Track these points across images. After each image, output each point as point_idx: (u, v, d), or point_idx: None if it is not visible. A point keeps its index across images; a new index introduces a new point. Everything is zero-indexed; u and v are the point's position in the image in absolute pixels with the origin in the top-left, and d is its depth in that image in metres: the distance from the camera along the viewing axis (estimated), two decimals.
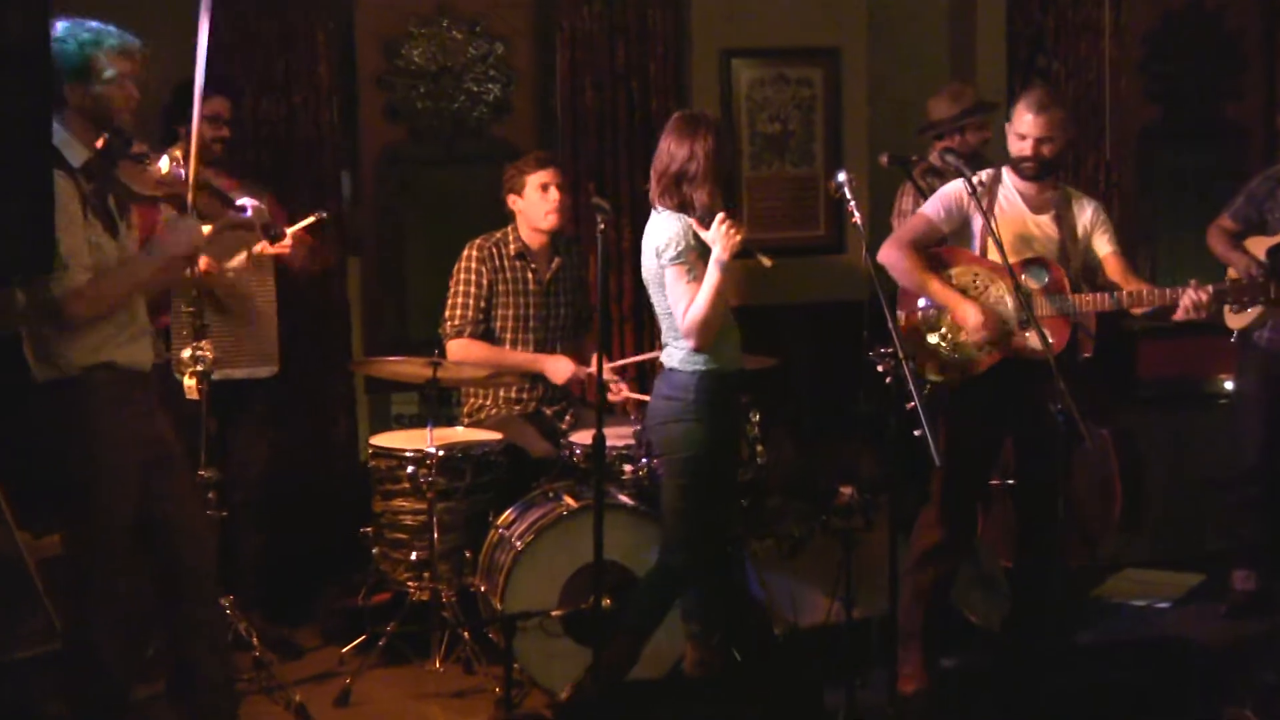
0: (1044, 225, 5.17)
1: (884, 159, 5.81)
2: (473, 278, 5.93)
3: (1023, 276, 5.01)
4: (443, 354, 5.75)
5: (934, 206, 5.16)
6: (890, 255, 5.06)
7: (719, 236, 4.58)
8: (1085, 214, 5.21)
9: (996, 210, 5.12)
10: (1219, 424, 6.52)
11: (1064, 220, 5.16)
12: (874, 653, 5.13)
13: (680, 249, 4.67)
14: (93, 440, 4.09)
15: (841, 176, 4.68)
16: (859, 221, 4.67)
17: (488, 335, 5.96)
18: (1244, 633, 5.92)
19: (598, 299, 5.33)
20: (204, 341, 4.78)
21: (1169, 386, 7.03)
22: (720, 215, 4.59)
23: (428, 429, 5.49)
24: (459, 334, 5.91)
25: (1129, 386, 6.96)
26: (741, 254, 4.68)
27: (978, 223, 5.11)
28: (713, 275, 4.61)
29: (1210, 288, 4.99)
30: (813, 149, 7.35)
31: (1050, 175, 5.16)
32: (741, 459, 5.21)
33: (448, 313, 5.95)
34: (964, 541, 5.30)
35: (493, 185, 6.11)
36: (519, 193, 5.96)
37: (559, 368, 5.90)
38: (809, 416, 6.95)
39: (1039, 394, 4.90)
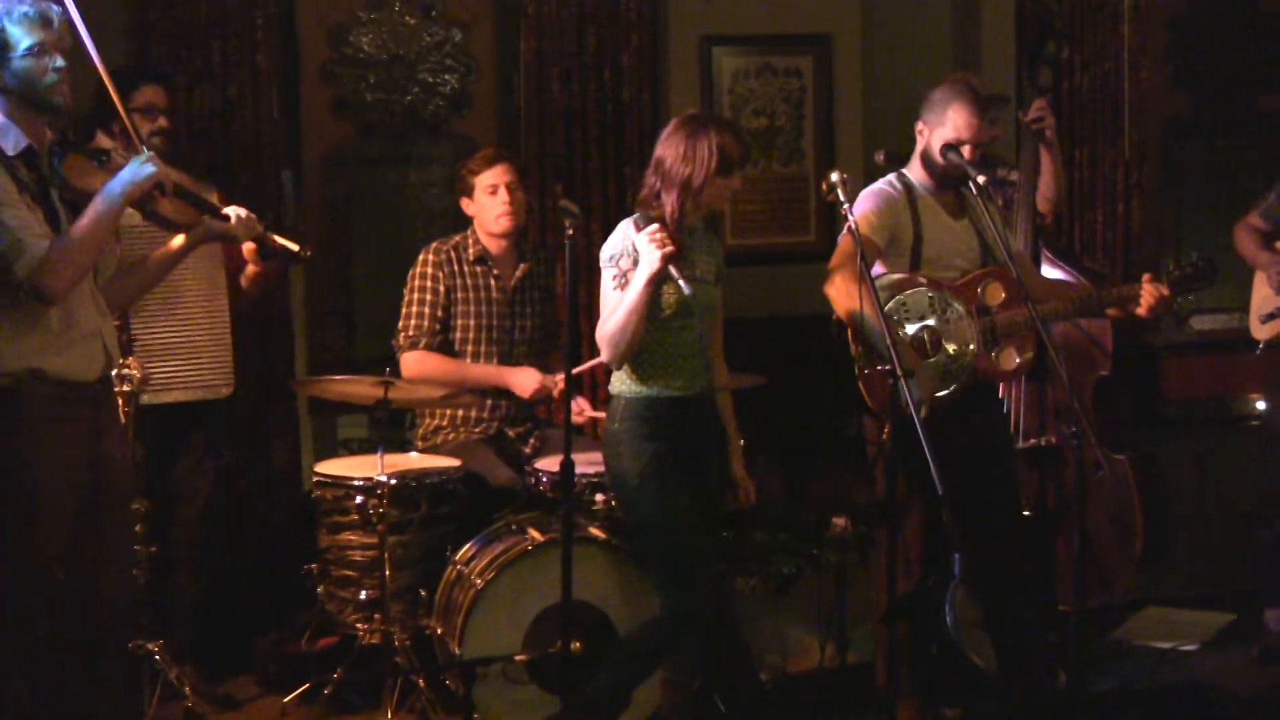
0: (963, 232, 5.23)
1: (880, 157, 5.86)
2: (429, 284, 5.96)
3: (979, 289, 5.11)
4: (395, 371, 5.75)
5: (868, 220, 5.08)
6: (831, 291, 5.07)
7: (643, 248, 4.63)
8: (988, 209, 5.15)
9: (920, 214, 5.17)
10: (1250, 448, 6.58)
11: (979, 222, 5.22)
12: (870, 701, 5.16)
13: (616, 253, 4.75)
14: (20, 464, 4.06)
15: (834, 177, 4.70)
16: (853, 226, 4.70)
17: (446, 348, 5.98)
18: (1278, 679, 5.96)
19: (564, 310, 5.34)
20: (130, 359, 4.77)
21: (1195, 407, 7.07)
22: (653, 226, 4.63)
23: (378, 455, 5.49)
24: (414, 345, 5.93)
25: (1151, 408, 6.99)
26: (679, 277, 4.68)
27: (908, 233, 5.14)
28: (632, 288, 4.65)
29: (1164, 282, 5.14)
30: (802, 146, 7.39)
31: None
32: (710, 489, 5.18)
33: (401, 323, 5.97)
34: (941, 586, 5.33)
35: (451, 186, 6.17)
36: (469, 195, 6.02)
37: (525, 380, 5.93)
38: (798, 440, 6.95)
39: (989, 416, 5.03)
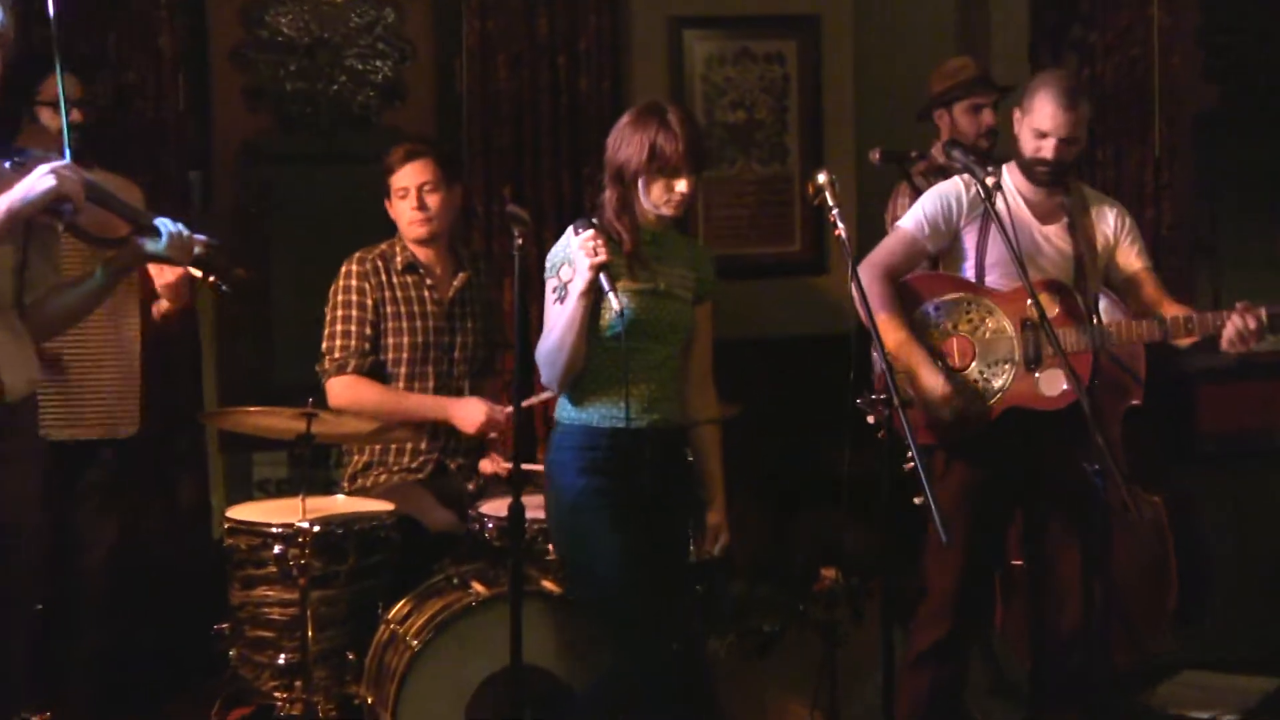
0: (1055, 238, 5.29)
1: (875, 155, 5.91)
2: (354, 298, 5.96)
3: (1028, 300, 5.06)
4: (320, 400, 5.75)
5: (916, 220, 5.29)
6: (864, 283, 5.06)
7: (575, 256, 4.66)
8: (1107, 222, 5.34)
9: (996, 215, 5.12)
10: None
11: (1080, 230, 5.28)
12: None
13: (556, 260, 4.79)
14: None
15: (822, 178, 4.72)
16: (843, 234, 4.69)
17: (377, 371, 5.99)
18: None
19: (514, 332, 5.35)
20: None
21: (1236, 442, 7.03)
22: (588, 232, 4.65)
23: (299, 498, 5.49)
24: (341, 369, 5.92)
25: (1187, 442, 6.99)
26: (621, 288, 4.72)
27: (971, 237, 5.24)
28: (570, 300, 4.69)
29: (1261, 311, 5.10)
30: (786, 143, 7.45)
31: (1065, 179, 5.29)
32: (674, 536, 5.15)
33: (326, 344, 5.97)
34: (972, 637, 5.40)
35: (382, 188, 6.14)
36: (388, 197, 6.04)
37: (470, 413, 5.91)
38: (782, 479, 7.02)
39: (1059, 451, 5.02)
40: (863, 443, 5.11)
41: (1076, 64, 6.00)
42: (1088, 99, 5.27)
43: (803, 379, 6.91)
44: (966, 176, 5.25)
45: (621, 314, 4.56)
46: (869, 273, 5.17)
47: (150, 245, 4.33)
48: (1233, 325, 5.08)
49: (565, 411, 4.89)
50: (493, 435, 6.01)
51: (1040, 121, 5.17)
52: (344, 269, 6.02)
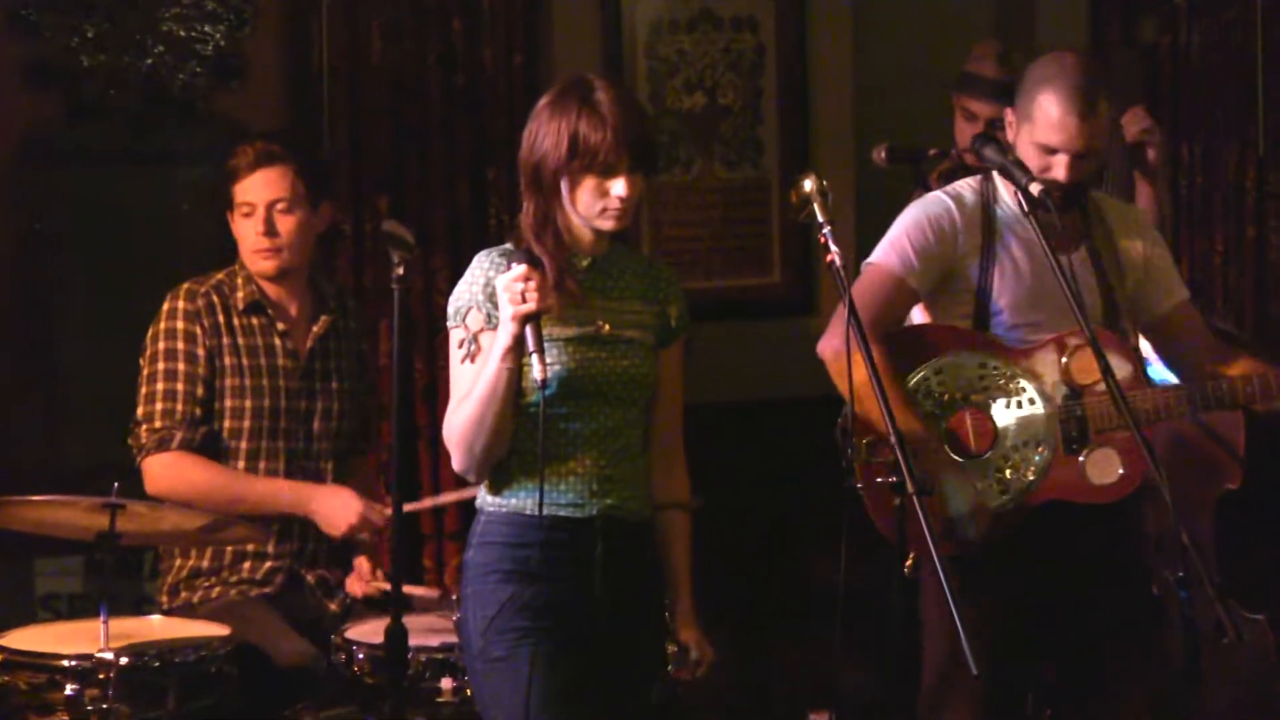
0: (1076, 270, 5.21)
1: (880, 154, 5.93)
2: (180, 346, 5.93)
3: (1063, 358, 5.12)
4: (131, 486, 5.63)
5: (899, 253, 5.18)
6: (829, 350, 5.12)
7: (501, 301, 4.60)
8: (1134, 239, 5.28)
9: (998, 242, 5.22)
10: None
11: (1103, 255, 5.28)
12: None
13: (462, 304, 4.74)
14: None
15: (809, 185, 4.72)
16: (838, 260, 4.69)
17: (209, 445, 5.97)
18: None
19: (391, 392, 5.32)
20: None
21: None
22: (519, 268, 4.58)
23: (100, 620, 5.39)
24: (163, 445, 5.88)
25: None
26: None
27: (970, 272, 5.21)
28: (490, 362, 4.65)
29: None
30: (760, 137, 7.52)
31: (1083, 194, 5.26)
32: (633, 665, 5.08)
33: (142, 409, 5.92)
34: None
35: (214, 194, 6.14)
36: (230, 209, 6.03)
37: (337, 508, 5.88)
38: (758, 591, 7.02)
39: (1117, 554, 5.09)
40: (864, 540, 5.13)
41: (1155, 30, 5.98)
42: (1108, 89, 5.26)
43: (784, 456, 6.94)
44: (960, 188, 5.31)
45: (544, 386, 4.53)
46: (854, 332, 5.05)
47: None
48: None
49: (484, 496, 4.84)
50: (364, 535, 6.00)
51: (1046, 135, 5.14)
52: (166, 307, 6.00)
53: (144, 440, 5.91)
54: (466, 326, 4.71)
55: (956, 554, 5.05)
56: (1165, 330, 5.33)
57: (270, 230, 5.93)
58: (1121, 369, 5.03)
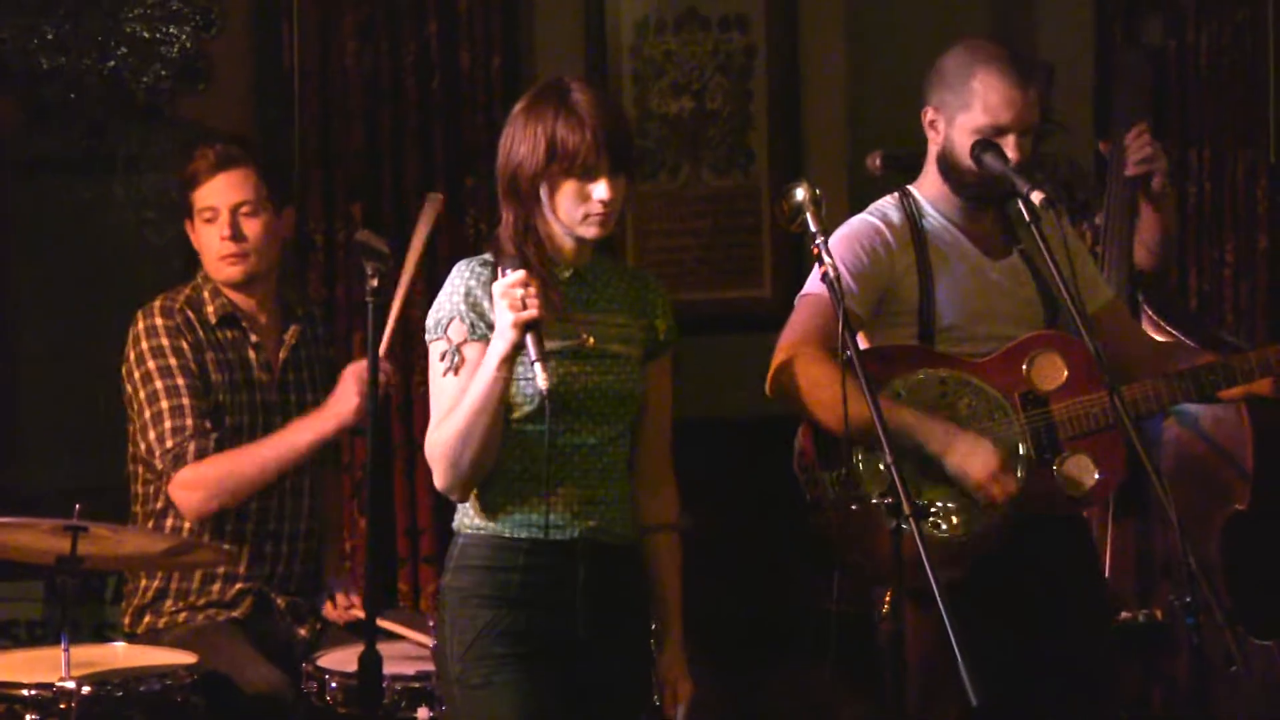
0: (1012, 273, 5.25)
1: (875, 161, 5.87)
2: (172, 361, 5.90)
3: (1024, 366, 5.10)
4: (92, 506, 5.48)
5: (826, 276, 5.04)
6: (806, 369, 5.12)
7: (499, 308, 4.57)
8: (1059, 237, 5.12)
9: (932, 257, 5.19)
10: None
11: (1034, 258, 5.22)
12: None
13: (443, 316, 4.72)
14: None
15: (800, 193, 4.70)
16: (832, 271, 4.66)
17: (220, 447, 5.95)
18: None
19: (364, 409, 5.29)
20: None
21: None
22: (516, 275, 4.55)
23: (61, 647, 5.35)
24: (179, 461, 5.83)
25: None
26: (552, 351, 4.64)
27: (907, 292, 5.16)
28: (483, 371, 4.62)
29: None
30: (750, 144, 7.51)
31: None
32: (620, 697, 5.07)
33: (153, 432, 5.87)
34: None
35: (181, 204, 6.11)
36: (190, 217, 6.02)
37: (339, 397, 5.83)
38: (748, 618, 6.99)
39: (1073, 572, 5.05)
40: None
41: (1160, 31, 5.98)
42: (1029, 62, 5.25)
43: (776, 474, 6.87)
44: (884, 207, 5.28)
45: (547, 396, 4.49)
46: (806, 354, 5.12)
47: None
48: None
49: (464, 518, 4.82)
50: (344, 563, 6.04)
51: (995, 115, 5.10)
52: (143, 325, 5.97)
53: (160, 466, 5.89)
54: (449, 338, 4.69)
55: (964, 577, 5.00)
56: (1101, 333, 5.18)
57: (237, 234, 5.92)
58: (1058, 375, 5.11)
